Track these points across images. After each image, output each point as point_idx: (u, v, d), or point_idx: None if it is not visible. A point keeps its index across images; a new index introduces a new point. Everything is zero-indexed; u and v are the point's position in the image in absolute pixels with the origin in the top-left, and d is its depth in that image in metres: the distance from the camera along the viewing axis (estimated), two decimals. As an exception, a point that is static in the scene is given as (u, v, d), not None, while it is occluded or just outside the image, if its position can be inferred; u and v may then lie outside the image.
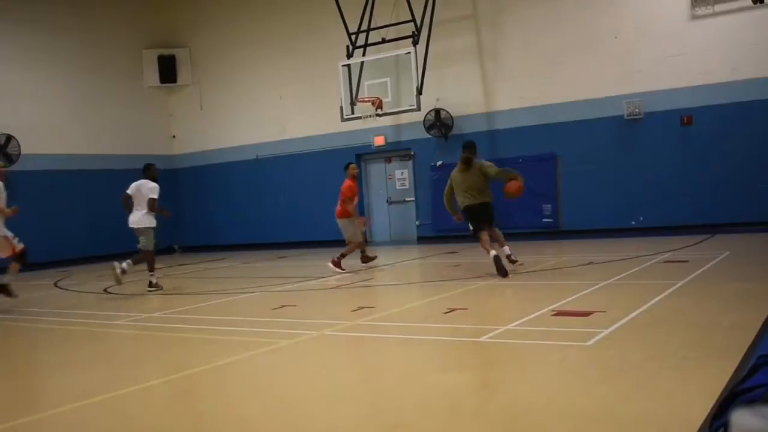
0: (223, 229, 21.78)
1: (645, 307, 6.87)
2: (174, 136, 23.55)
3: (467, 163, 10.93)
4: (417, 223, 18.95)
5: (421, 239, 18.76)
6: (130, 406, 4.84)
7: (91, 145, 20.78)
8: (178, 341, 7.38)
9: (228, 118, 22.29)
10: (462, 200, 10.98)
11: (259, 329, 7.58)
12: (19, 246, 10.92)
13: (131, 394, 5.10)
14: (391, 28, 17.35)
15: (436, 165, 18.59)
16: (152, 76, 22.68)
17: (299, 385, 5.16)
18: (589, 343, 5.52)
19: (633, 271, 9.84)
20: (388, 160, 19.62)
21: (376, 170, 20.07)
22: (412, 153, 19.20)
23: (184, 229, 21.81)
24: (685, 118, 15.69)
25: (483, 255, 14.13)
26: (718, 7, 15.10)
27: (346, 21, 17.66)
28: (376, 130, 19.22)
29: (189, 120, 23.18)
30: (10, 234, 10.86)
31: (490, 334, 6.18)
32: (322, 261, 14.37)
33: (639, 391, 4.23)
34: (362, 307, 8.35)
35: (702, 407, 3.75)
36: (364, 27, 17.70)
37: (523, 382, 4.68)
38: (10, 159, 18.48)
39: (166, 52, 22.69)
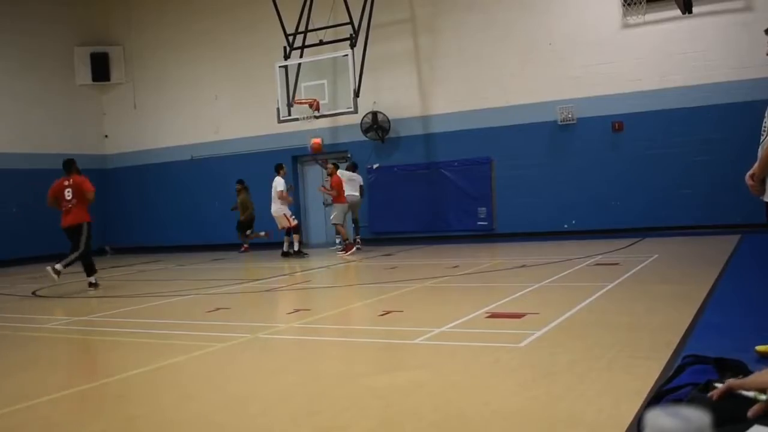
0: (157, 230, 21.42)
1: (576, 308, 6.99)
2: (106, 136, 23.09)
3: None
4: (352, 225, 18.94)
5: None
6: (60, 412, 4.72)
7: (17, 143, 20.19)
8: (110, 345, 7.23)
9: (163, 118, 21.97)
10: None
11: (193, 332, 7.46)
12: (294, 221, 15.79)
13: (61, 399, 4.96)
14: (328, 30, 17.36)
15: (372, 167, 18.63)
16: (84, 73, 22.26)
17: (233, 387, 5.10)
18: (521, 344, 5.59)
19: (565, 273, 10.01)
20: (325, 162, 19.57)
21: (312, 172, 20.01)
22: (349, 155, 19.21)
23: (116, 230, 21.36)
24: (616, 124, 16.09)
25: (418, 258, 14.27)
26: (649, 17, 15.51)
27: (284, 22, 17.59)
28: (312, 132, 19.18)
29: (122, 119, 22.78)
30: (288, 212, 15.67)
31: (425, 336, 6.21)
32: (256, 263, 14.30)
33: (569, 392, 4.30)
34: (298, 310, 8.32)
35: (630, 407, 3.83)
36: (301, 28, 17.67)
37: (457, 384, 4.70)
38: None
39: (99, 49, 22.27)
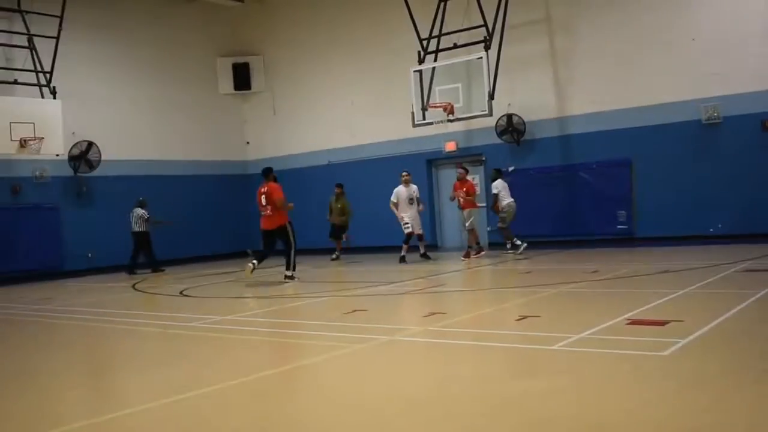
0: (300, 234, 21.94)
1: (723, 317, 6.68)
2: (248, 142, 24.01)
3: None
4: (488, 228, 18.80)
5: (493, 245, 18.61)
6: (205, 407, 4.94)
7: (166, 151, 21.35)
8: (252, 344, 7.51)
9: (300, 124, 22.62)
10: None
11: (331, 333, 7.63)
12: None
13: (206, 395, 5.20)
14: (462, 32, 17.31)
15: (508, 170, 18.44)
16: (227, 83, 23.29)
17: (369, 389, 5.18)
18: (665, 353, 5.40)
19: (711, 280, 9.58)
20: (460, 165, 19.52)
21: (446, 176, 20.02)
22: (484, 158, 19.11)
23: (257, 233, 22.02)
24: (766, 123, 15.21)
25: (555, 263, 14.03)
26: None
27: (418, 26, 17.72)
28: (447, 136, 19.21)
29: (262, 126, 23.61)
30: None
31: (563, 343, 6.10)
32: (395, 265, 14.45)
33: (717, 404, 4.13)
34: (434, 313, 8.34)
35: (784, 421, 3.64)
36: (435, 32, 17.73)
37: (597, 392, 4.60)
38: (91, 165, 19.13)
39: (240, 59, 23.25)
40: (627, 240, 16.84)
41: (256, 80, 23.38)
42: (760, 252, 12.52)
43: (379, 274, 14.02)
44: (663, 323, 6.57)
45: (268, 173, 13.70)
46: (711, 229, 15.82)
